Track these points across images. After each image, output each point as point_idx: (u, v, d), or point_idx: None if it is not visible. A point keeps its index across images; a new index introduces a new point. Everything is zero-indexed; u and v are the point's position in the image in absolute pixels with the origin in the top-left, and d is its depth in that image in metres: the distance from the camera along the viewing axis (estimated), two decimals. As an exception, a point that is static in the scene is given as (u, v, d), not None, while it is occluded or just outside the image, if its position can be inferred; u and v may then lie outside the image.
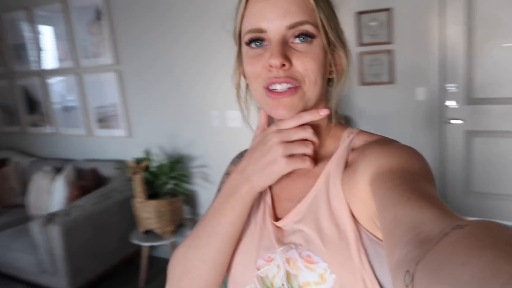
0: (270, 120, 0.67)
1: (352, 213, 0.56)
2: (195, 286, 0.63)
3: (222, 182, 0.75)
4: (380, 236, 0.55)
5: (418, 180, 0.48)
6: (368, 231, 0.55)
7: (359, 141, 0.63)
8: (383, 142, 0.60)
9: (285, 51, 0.58)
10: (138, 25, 2.90)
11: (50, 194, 2.97)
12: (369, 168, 0.53)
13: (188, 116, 2.88)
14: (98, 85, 3.19)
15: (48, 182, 3.03)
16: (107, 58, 3.05)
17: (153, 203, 2.57)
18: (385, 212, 0.46)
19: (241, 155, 0.77)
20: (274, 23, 0.58)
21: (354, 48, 3.43)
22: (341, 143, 0.64)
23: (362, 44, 3.39)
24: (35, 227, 2.50)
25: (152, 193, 2.72)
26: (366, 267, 0.54)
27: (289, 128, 0.60)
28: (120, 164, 2.97)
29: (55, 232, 2.44)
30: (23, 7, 3.38)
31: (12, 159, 3.60)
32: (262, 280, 0.60)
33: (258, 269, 0.60)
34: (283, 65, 0.57)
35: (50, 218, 2.50)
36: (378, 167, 0.52)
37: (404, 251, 0.37)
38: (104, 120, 3.23)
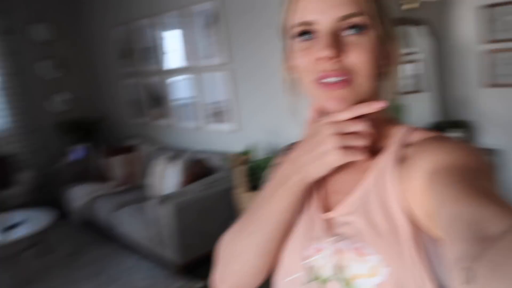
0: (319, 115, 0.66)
1: (405, 208, 0.54)
2: (243, 271, 0.65)
3: (270, 173, 0.73)
4: (434, 233, 0.53)
5: (478, 177, 0.47)
6: (422, 227, 0.54)
7: (414, 137, 0.60)
8: (440, 139, 0.57)
9: (336, 43, 0.56)
10: (250, 27, 3.09)
11: (166, 178, 3.36)
12: (426, 164, 0.52)
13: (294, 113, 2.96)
14: (212, 83, 3.48)
15: (165, 168, 3.43)
16: (221, 58, 3.32)
17: (251, 195, 2.73)
18: (444, 209, 0.45)
19: (289, 147, 0.75)
20: (325, 16, 0.56)
21: (480, 45, 3.11)
22: (394, 138, 0.62)
23: (494, 41, 3.06)
24: (151, 206, 2.86)
25: (253, 185, 2.88)
26: (420, 263, 0.52)
27: (344, 120, 0.58)
28: (226, 156, 3.22)
29: (167, 211, 2.76)
30: (149, 15, 3.85)
31: (140, 146, 4.15)
32: (310, 269, 0.60)
33: (307, 258, 0.60)
34: (334, 57, 0.56)
35: (164, 199, 2.84)
36: (436, 163, 0.51)
37: (463, 248, 0.37)
38: (216, 115, 3.52)
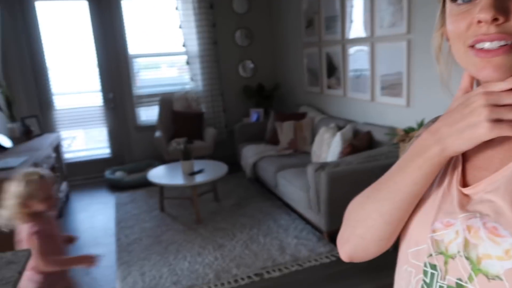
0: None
1: None
2: (368, 236, 0.65)
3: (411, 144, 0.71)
4: None
5: None
6: None
7: None
8: None
9: (500, 3, 0.51)
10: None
11: (329, 147, 3.40)
12: None
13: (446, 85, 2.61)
14: (388, 54, 3.31)
15: (329, 137, 3.46)
16: (400, 28, 3.11)
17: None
18: None
19: (435, 119, 0.70)
20: None
21: None
22: None
23: None
24: (310, 171, 2.96)
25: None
26: None
27: (500, 91, 0.52)
28: (392, 131, 3.05)
29: (323, 178, 2.82)
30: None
31: (309, 114, 4.29)
32: (436, 243, 0.58)
33: (434, 231, 0.58)
34: (496, 19, 0.50)
35: (322, 166, 2.90)
36: None
37: None
38: (387, 88, 3.35)
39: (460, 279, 0.55)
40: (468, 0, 0.54)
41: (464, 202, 0.57)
